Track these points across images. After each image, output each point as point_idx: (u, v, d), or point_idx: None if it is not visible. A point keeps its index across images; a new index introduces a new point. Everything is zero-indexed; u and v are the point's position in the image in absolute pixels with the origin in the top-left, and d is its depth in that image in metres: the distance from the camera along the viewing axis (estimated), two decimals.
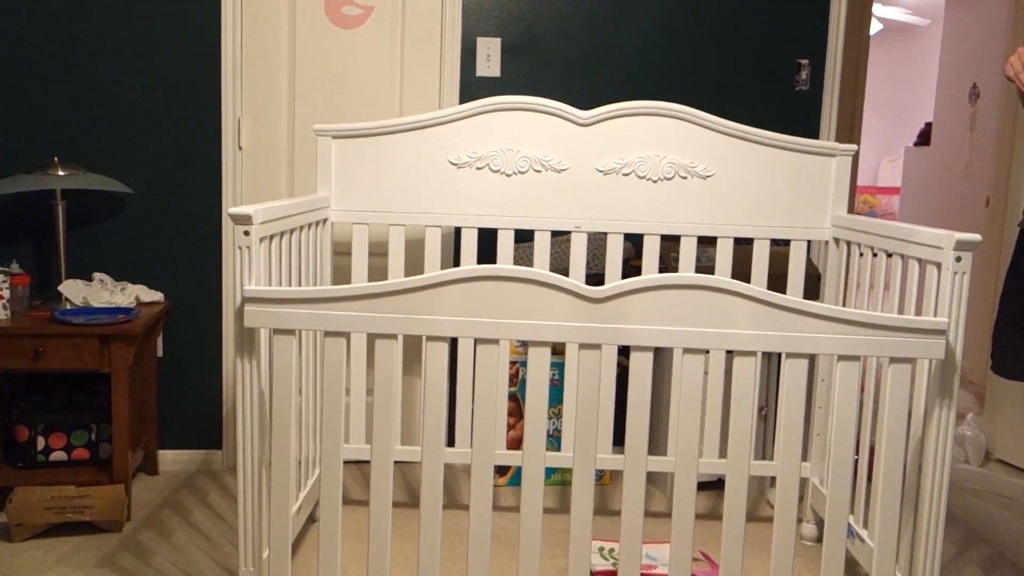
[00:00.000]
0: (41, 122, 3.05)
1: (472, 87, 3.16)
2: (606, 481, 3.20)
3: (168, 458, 3.22)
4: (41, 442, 2.83)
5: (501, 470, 3.15)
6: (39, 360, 2.65)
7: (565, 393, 2.80)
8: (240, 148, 3.10)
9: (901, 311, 2.23)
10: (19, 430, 2.83)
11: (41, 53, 3.03)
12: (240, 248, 1.90)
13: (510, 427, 3.04)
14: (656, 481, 3.19)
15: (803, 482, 2.80)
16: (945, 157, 5.51)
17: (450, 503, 2.97)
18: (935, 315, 1.95)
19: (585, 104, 3.19)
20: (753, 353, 1.82)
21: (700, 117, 2.61)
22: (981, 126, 5.08)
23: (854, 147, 2.62)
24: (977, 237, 1.88)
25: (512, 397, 3.03)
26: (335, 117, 3.14)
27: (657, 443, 3.06)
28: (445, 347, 1.84)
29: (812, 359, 2.78)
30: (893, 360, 1.84)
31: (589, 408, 1.84)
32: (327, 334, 1.85)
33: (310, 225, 2.46)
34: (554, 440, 3.05)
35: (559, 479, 3.16)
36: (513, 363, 3.02)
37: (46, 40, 3.03)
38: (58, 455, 2.85)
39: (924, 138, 6.44)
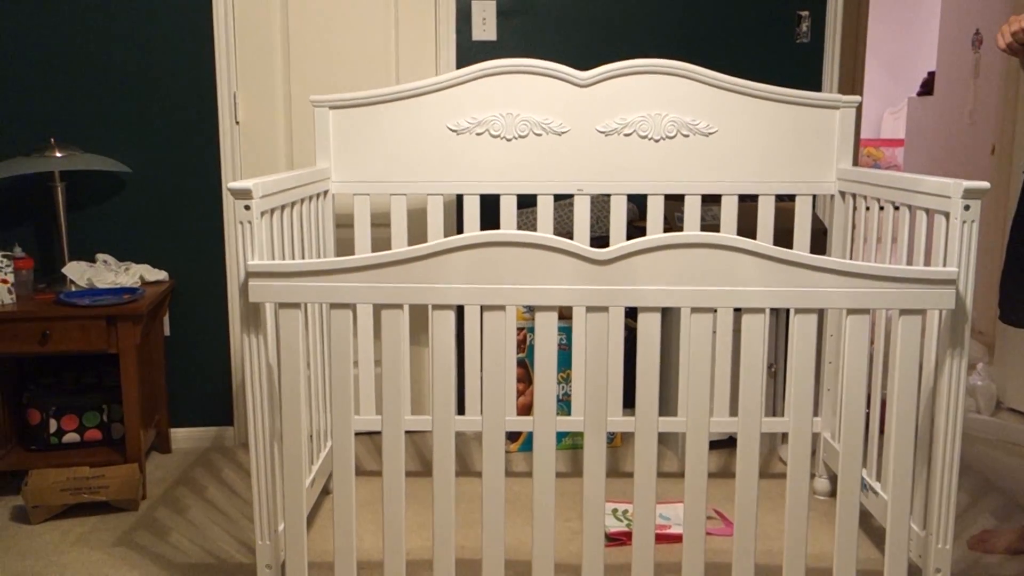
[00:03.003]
0: (36, 104, 3.03)
1: (468, 52, 3.12)
2: (617, 443, 3.21)
3: (180, 436, 3.23)
4: (53, 424, 2.84)
5: (512, 436, 3.16)
6: (47, 343, 2.65)
7: (573, 357, 2.80)
8: (237, 122, 3.08)
9: (909, 263, 2.21)
10: (31, 413, 2.84)
11: (33, 34, 3.00)
12: (241, 223, 1.88)
13: (519, 393, 3.04)
14: (667, 441, 3.20)
15: (814, 437, 2.80)
16: (949, 106, 5.45)
17: (463, 470, 2.99)
18: (944, 265, 1.93)
19: (583, 65, 3.14)
20: (762, 310, 1.81)
21: (701, 73, 2.58)
22: (985, 72, 5.02)
23: (857, 98, 2.58)
24: (985, 185, 1.86)
25: (521, 363, 3.03)
26: (331, 87, 3.11)
27: (667, 404, 3.06)
28: (451, 315, 1.83)
29: (821, 314, 2.77)
30: (903, 312, 1.82)
31: (598, 371, 1.83)
32: (333, 306, 1.84)
33: (311, 197, 2.44)
34: (564, 404, 3.05)
35: (570, 443, 3.17)
36: (520, 329, 3.01)
37: (38, 21, 2.99)
38: (71, 437, 2.86)
39: (927, 87, 6.36)
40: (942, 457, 1.94)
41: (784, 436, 3.10)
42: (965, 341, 1.90)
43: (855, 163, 2.91)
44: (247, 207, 1.88)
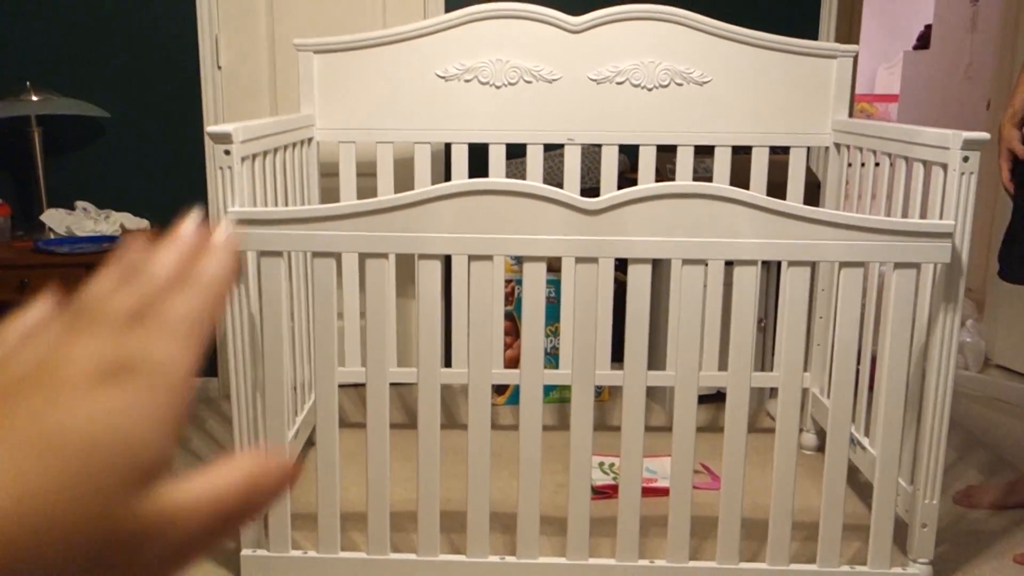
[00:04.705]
0: (11, 46, 2.93)
1: None
2: (604, 397, 3.19)
3: None
4: None
5: (499, 389, 3.14)
6: (25, 292, 2.60)
7: (562, 310, 2.77)
8: (219, 67, 2.99)
9: (904, 216, 2.17)
10: None
11: None
12: (221, 168, 1.83)
13: (507, 346, 3.01)
14: (655, 396, 3.19)
15: (803, 392, 2.79)
16: (945, 60, 5.38)
17: (449, 423, 2.97)
18: (940, 219, 1.90)
19: (576, 10, 3.06)
20: (754, 262, 1.78)
21: (696, 20, 2.51)
22: (982, 26, 4.94)
23: (855, 48, 2.53)
24: (986, 136, 1.81)
25: (508, 316, 2.99)
26: (317, 31, 3.02)
27: (656, 357, 3.03)
28: (438, 265, 1.79)
29: (813, 267, 2.73)
30: (898, 265, 1.79)
31: (587, 322, 1.80)
32: (316, 255, 1.80)
33: (294, 144, 2.38)
34: (552, 358, 3.03)
35: (557, 396, 3.15)
36: (508, 281, 2.98)
37: None
38: None
39: (923, 41, 6.27)
40: (932, 413, 1.93)
41: (772, 391, 3.09)
42: (959, 296, 1.87)
43: (851, 115, 2.86)
44: (227, 152, 1.82)
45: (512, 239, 1.74)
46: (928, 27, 6.23)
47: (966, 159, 1.82)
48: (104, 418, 0.25)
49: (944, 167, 1.88)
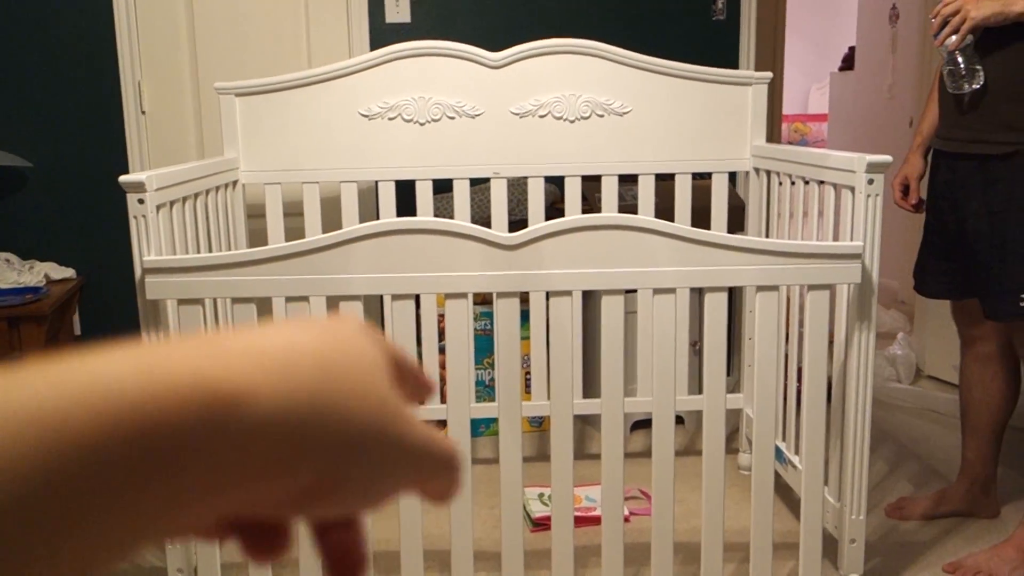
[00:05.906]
0: None
1: (382, 34, 3.06)
2: (546, 427, 3.20)
3: None
4: None
5: (443, 422, 3.12)
6: None
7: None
8: (143, 112, 2.97)
9: (820, 238, 2.23)
10: None
11: None
12: (135, 217, 1.81)
13: (445, 380, 3.00)
14: (597, 423, 3.20)
15: (739, 413, 2.82)
16: (869, 81, 5.54)
17: None
18: (851, 239, 1.95)
19: (500, 46, 3.10)
20: (672, 290, 1.80)
21: (613, 52, 2.56)
22: (902, 48, 5.10)
23: (768, 75, 2.59)
24: (887, 159, 1.87)
25: (444, 349, 2.99)
26: (241, 74, 3.02)
27: (596, 385, 3.05)
28: (359, 306, 1.79)
29: (738, 291, 2.78)
30: (812, 287, 1.83)
31: (511, 356, 1.81)
32: (235, 301, 1.79)
33: (218, 188, 2.36)
34: (490, 390, 3.03)
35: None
36: (443, 315, 2.97)
37: None
38: None
39: (848, 63, 6.46)
40: (853, 428, 1.97)
41: None
42: (872, 313, 1.92)
43: (773, 139, 2.93)
44: (141, 201, 1.81)
45: (432, 277, 1.75)
46: (852, 49, 6.42)
47: (871, 181, 1.87)
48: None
49: (852, 190, 1.93)
